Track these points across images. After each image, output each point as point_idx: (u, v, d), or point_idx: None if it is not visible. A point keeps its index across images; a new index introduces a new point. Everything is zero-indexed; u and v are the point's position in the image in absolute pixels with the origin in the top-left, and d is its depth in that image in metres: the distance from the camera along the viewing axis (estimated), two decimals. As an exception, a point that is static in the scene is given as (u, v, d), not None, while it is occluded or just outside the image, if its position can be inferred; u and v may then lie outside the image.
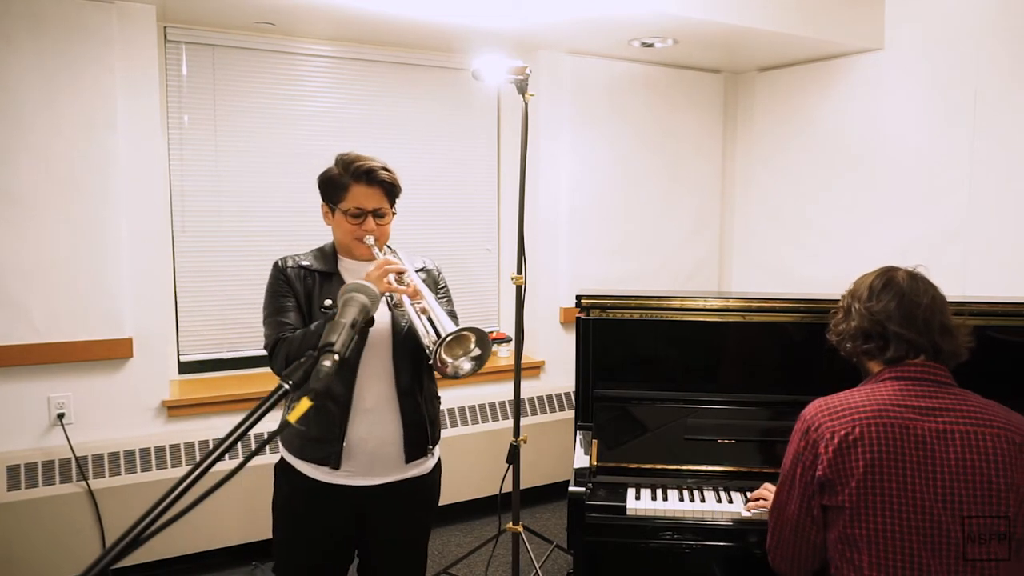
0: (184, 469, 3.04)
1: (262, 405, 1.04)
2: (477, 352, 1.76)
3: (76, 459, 2.90)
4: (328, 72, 3.55)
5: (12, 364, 2.83)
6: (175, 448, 3.07)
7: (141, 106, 3.00)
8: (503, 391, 3.74)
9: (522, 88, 2.70)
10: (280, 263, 1.99)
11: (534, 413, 3.84)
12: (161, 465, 3.03)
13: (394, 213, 1.99)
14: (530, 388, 3.87)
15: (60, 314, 2.88)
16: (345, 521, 1.95)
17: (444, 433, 3.59)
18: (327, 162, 1.99)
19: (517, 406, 2.91)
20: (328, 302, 1.90)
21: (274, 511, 2.01)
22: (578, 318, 2.43)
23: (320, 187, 1.97)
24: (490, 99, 3.97)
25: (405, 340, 1.92)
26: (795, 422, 1.64)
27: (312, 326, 1.86)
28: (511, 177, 3.98)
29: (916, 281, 1.65)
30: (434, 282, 2.07)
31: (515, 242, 2.86)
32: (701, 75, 4.30)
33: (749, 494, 2.09)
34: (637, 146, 4.13)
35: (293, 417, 1.03)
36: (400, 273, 1.85)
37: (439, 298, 2.04)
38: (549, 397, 3.91)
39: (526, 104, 2.73)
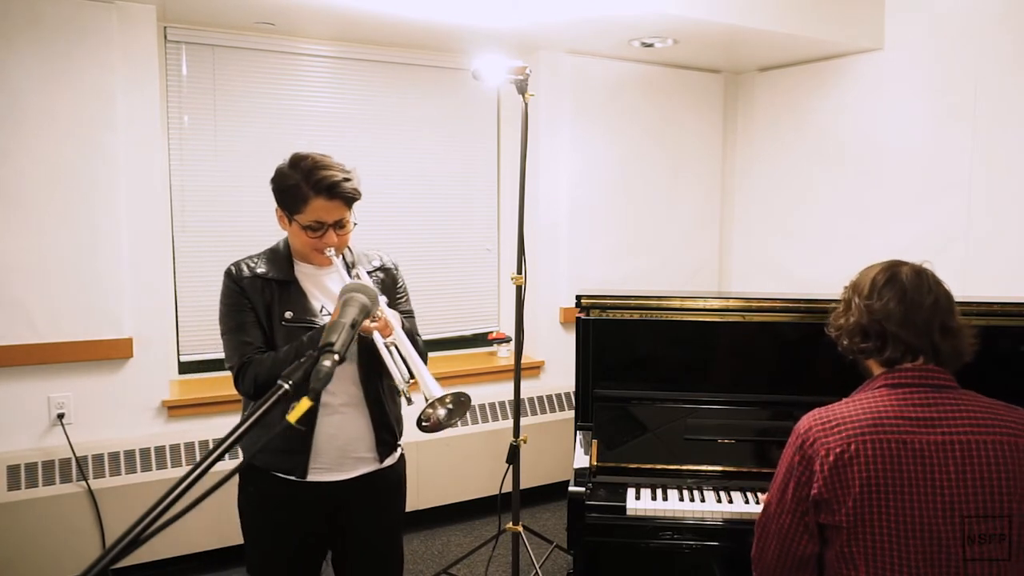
0: (184, 469, 3.05)
1: (262, 405, 1.04)
2: (451, 406, 1.66)
3: (76, 459, 2.90)
4: (328, 72, 3.55)
5: (12, 364, 2.83)
6: (175, 448, 3.07)
7: (141, 106, 3.00)
8: (503, 391, 3.74)
9: (522, 88, 2.70)
10: (235, 271, 1.88)
11: (534, 413, 3.84)
12: (161, 465, 3.03)
13: (355, 224, 1.89)
14: (530, 388, 3.87)
15: (60, 314, 2.88)
16: (316, 517, 1.92)
17: (443, 433, 3.59)
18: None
19: (517, 406, 2.91)
20: (289, 314, 1.84)
21: (241, 513, 1.97)
22: (578, 318, 2.43)
23: (275, 192, 1.85)
24: (490, 99, 3.97)
25: (372, 345, 1.83)
26: (794, 423, 1.63)
27: (281, 352, 1.80)
28: (511, 177, 3.98)
29: (921, 279, 1.56)
30: (393, 282, 2.02)
31: (515, 242, 2.86)
32: (701, 75, 4.30)
33: (754, 495, 2.09)
34: (637, 146, 4.13)
35: (293, 417, 1.04)
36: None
37: (397, 298, 2.01)
38: (549, 397, 3.91)
39: (526, 104, 2.73)
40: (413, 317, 2.05)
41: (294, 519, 1.90)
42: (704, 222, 4.45)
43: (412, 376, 1.68)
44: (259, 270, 1.88)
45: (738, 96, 4.44)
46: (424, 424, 1.62)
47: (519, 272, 2.81)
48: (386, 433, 1.95)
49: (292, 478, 1.87)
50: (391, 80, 3.69)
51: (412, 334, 1.91)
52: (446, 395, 1.61)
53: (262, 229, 3.41)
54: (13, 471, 2.82)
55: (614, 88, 4.02)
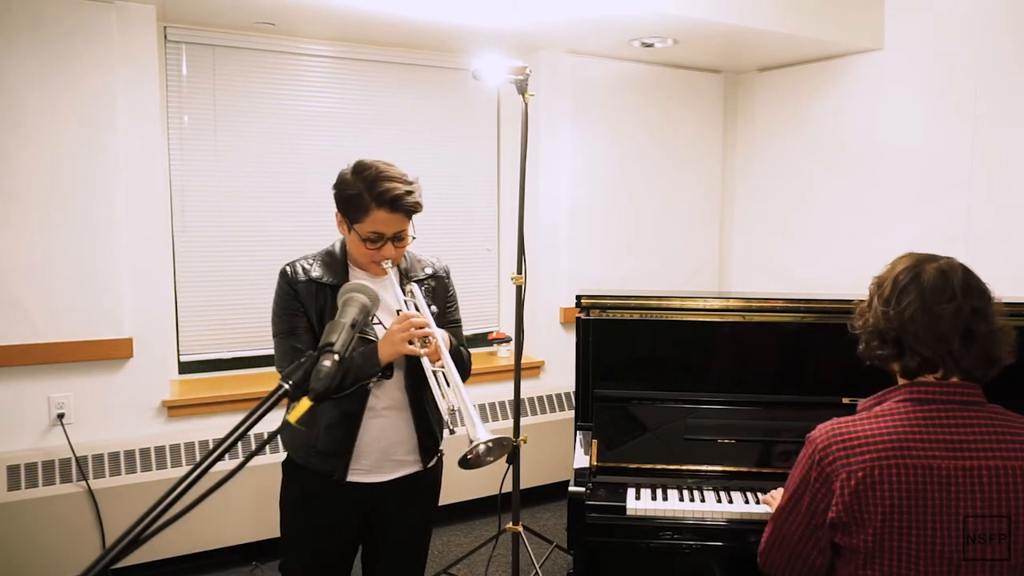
0: (184, 469, 3.05)
1: (262, 405, 1.04)
2: (490, 444, 1.64)
3: (76, 459, 2.90)
4: (328, 72, 3.55)
5: (12, 364, 2.83)
6: (175, 448, 3.07)
7: (141, 106, 3.00)
8: (503, 391, 3.74)
9: (522, 88, 2.70)
10: (290, 273, 1.87)
11: (534, 413, 3.84)
12: (161, 465, 3.03)
13: (413, 238, 1.88)
14: (530, 388, 3.87)
15: (60, 314, 2.88)
16: (353, 516, 1.95)
17: (445, 433, 3.60)
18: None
19: (517, 406, 2.91)
20: None
21: (282, 508, 2.00)
22: (578, 318, 2.43)
23: (336, 199, 1.84)
24: (490, 99, 3.97)
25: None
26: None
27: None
28: (511, 177, 3.98)
29: (946, 281, 1.45)
30: (444, 290, 2.01)
31: (515, 242, 2.86)
32: (701, 75, 4.30)
33: (754, 495, 2.09)
34: (637, 146, 4.13)
35: (293, 417, 1.04)
36: (425, 336, 1.74)
37: (447, 307, 2.01)
38: (549, 397, 3.91)
39: (526, 104, 2.73)
40: (460, 326, 2.05)
41: (332, 518, 1.92)
42: (704, 222, 4.45)
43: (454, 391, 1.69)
44: (313, 274, 1.87)
45: (738, 96, 4.44)
46: (468, 458, 1.62)
47: (519, 272, 2.81)
48: (428, 439, 1.96)
49: (332, 478, 1.88)
50: (391, 80, 3.68)
51: (459, 348, 1.92)
52: (490, 440, 1.61)
53: (263, 228, 3.43)
54: (13, 471, 2.82)
55: (614, 88, 4.01)
